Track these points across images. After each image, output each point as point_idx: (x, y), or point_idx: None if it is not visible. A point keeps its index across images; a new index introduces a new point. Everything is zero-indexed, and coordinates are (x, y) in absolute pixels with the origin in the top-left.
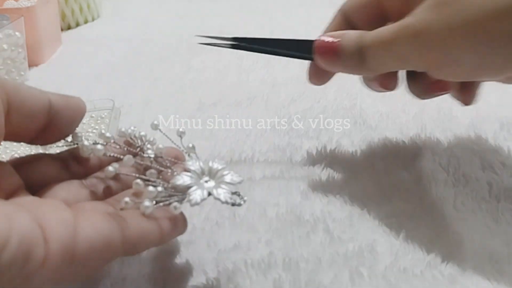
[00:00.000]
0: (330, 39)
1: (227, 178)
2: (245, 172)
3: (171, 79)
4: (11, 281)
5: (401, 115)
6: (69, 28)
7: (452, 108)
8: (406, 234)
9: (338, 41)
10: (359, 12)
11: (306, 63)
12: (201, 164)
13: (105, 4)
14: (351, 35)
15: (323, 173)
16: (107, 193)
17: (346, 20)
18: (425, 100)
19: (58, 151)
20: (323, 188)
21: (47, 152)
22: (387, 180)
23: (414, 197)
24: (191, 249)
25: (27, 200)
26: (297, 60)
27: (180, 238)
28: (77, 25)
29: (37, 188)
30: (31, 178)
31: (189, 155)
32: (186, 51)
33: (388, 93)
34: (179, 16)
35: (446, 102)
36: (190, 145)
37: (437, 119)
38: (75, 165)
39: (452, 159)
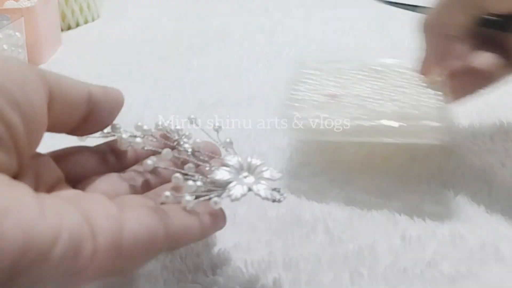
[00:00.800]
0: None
1: (267, 174)
2: None
3: (171, 79)
4: (62, 276)
5: None
6: (69, 28)
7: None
8: (406, 234)
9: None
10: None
11: None
12: (240, 159)
13: (105, 4)
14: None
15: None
16: (145, 187)
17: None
18: None
19: (94, 142)
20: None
21: (83, 144)
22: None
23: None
24: (191, 248)
25: (70, 193)
26: (297, 61)
27: None
28: (77, 25)
29: (76, 181)
30: (71, 171)
31: (226, 150)
32: (186, 51)
33: None
34: (179, 16)
35: None
36: (228, 140)
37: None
38: (113, 158)
39: (452, 159)
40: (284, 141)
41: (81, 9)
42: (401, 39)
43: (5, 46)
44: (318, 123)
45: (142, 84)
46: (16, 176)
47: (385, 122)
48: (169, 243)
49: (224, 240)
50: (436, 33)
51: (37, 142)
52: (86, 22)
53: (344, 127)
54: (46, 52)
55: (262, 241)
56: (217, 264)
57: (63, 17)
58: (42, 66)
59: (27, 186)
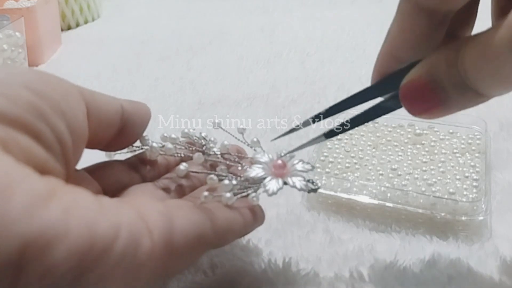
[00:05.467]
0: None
1: (299, 167)
2: None
3: (171, 79)
4: (124, 273)
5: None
6: (69, 28)
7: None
8: (406, 234)
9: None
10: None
11: (306, 65)
12: (270, 156)
13: (105, 4)
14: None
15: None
16: (180, 192)
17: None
18: None
19: (121, 157)
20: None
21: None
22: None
23: None
24: None
25: (116, 199)
26: (297, 61)
27: None
28: (77, 25)
29: (113, 193)
30: (107, 184)
31: (254, 149)
32: (186, 51)
33: None
34: (179, 16)
35: None
36: (255, 140)
37: (437, 119)
38: (145, 169)
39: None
40: (284, 141)
41: (81, 9)
42: None
43: (5, 46)
44: (339, 198)
45: (142, 84)
46: None
47: (410, 208)
48: (217, 239)
49: None
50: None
51: (80, 155)
52: (86, 22)
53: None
54: (46, 52)
55: (262, 241)
56: (217, 264)
57: (63, 17)
58: (42, 66)
59: (84, 188)
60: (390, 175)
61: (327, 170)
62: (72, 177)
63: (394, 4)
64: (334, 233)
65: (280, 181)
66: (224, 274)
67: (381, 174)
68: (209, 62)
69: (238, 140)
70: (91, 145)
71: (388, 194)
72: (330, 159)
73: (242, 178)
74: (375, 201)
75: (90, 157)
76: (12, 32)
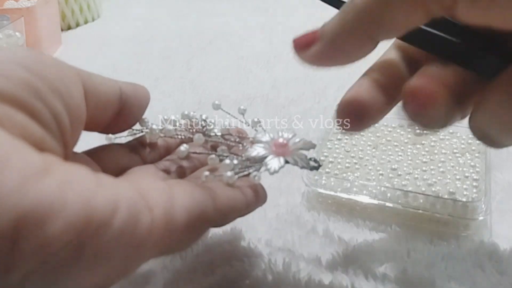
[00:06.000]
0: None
1: (300, 145)
2: None
3: (171, 79)
4: (124, 248)
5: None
6: (69, 28)
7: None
8: (406, 234)
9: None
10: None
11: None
12: (271, 135)
13: (105, 4)
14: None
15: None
16: (181, 174)
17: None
18: None
19: (122, 141)
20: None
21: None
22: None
23: None
24: (191, 248)
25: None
26: (297, 61)
27: None
28: (77, 25)
29: (112, 175)
30: (107, 166)
31: (255, 129)
32: (186, 51)
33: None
34: (179, 16)
35: None
36: (256, 120)
37: None
38: (145, 151)
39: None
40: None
41: (81, 9)
42: None
43: (5, 46)
44: (339, 198)
45: (142, 84)
46: None
47: (410, 208)
48: (218, 217)
49: (224, 240)
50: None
51: (77, 136)
52: (86, 22)
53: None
54: (46, 52)
55: (262, 241)
56: (217, 264)
57: (63, 17)
58: None
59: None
60: (390, 175)
61: (327, 170)
62: (70, 158)
63: None
64: (334, 233)
65: (282, 160)
66: (224, 274)
67: (381, 174)
68: (209, 62)
69: (239, 120)
70: (90, 127)
71: (388, 194)
72: (330, 159)
73: (243, 158)
74: (375, 201)
75: (91, 142)
76: (12, 32)
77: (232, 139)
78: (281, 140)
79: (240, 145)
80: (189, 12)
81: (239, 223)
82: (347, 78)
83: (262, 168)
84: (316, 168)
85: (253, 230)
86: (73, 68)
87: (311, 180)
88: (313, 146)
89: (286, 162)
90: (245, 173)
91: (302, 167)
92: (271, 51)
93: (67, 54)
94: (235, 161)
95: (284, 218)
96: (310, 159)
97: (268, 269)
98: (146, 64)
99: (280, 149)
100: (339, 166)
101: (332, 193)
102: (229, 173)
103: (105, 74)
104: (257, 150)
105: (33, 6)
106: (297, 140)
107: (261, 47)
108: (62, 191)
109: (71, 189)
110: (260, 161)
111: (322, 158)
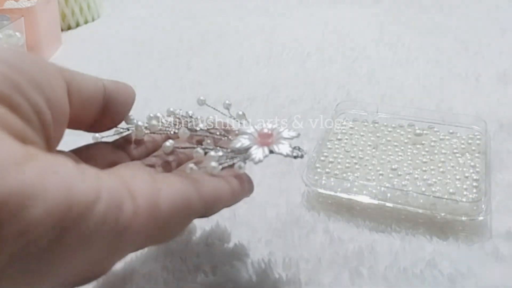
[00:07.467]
0: None
1: (285, 134)
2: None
3: (171, 79)
4: (107, 236)
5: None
6: (69, 28)
7: (453, 108)
8: (406, 234)
9: None
10: None
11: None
12: (256, 127)
13: (105, 4)
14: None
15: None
16: (167, 168)
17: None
18: (426, 101)
19: (108, 140)
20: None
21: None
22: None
23: None
24: (191, 248)
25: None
26: (297, 61)
27: (180, 237)
28: (77, 25)
29: None
30: (93, 164)
31: (240, 122)
32: (186, 51)
33: (388, 95)
34: (179, 16)
35: (445, 101)
36: (240, 113)
37: (437, 119)
38: (131, 149)
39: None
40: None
41: (81, 9)
42: (401, 38)
43: (5, 46)
44: (339, 198)
45: (142, 84)
46: None
47: (410, 208)
48: (204, 207)
49: (224, 240)
50: None
51: (61, 133)
52: (86, 22)
53: (366, 203)
54: (46, 52)
55: (262, 241)
56: (217, 264)
57: (63, 17)
58: None
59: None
60: (390, 175)
61: (327, 170)
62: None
63: (394, 4)
64: (334, 233)
65: (266, 149)
66: (224, 274)
67: (381, 174)
68: (209, 62)
69: (224, 115)
70: (74, 125)
71: (388, 194)
72: (330, 159)
73: (228, 150)
74: (375, 201)
75: (77, 143)
76: (12, 32)
77: (218, 133)
78: (265, 130)
79: (226, 138)
80: (189, 12)
81: (239, 223)
82: (347, 78)
83: (247, 158)
84: (301, 157)
85: (253, 230)
86: (55, 65)
87: (311, 180)
88: (297, 135)
89: (271, 151)
90: (230, 163)
91: (286, 155)
92: (271, 51)
93: (67, 54)
94: (220, 153)
95: (284, 218)
96: (294, 147)
97: (268, 269)
98: (146, 64)
99: (265, 139)
100: (339, 166)
101: (332, 193)
102: (213, 164)
103: (105, 74)
104: (241, 141)
105: (33, 6)
106: (281, 129)
107: (261, 47)
108: (43, 177)
109: (53, 176)
110: (245, 151)
111: (322, 158)
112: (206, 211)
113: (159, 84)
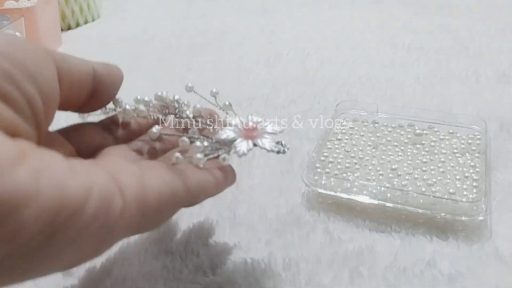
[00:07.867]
0: None
1: (269, 129)
2: (245, 172)
3: (171, 79)
4: (97, 232)
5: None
6: (69, 28)
7: (453, 108)
8: (406, 234)
9: None
10: None
11: (306, 65)
12: (241, 118)
13: (105, 4)
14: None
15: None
16: (153, 155)
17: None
18: (426, 101)
19: (95, 119)
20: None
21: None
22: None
23: None
24: (191, 248)
25: (88, 161)
26: (297, 61)
27: (180, 237)
28: (77, 25)
29: (87, 154)
30: (80, 145)
31: (226, 112)
32: (186, 51)
33: (388, 95)
34: (179, 16)
35: (445, 101)
36: (227, 103)
37: (437, 119)
38: (118, 131)
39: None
40: (284, 141)
41: (81, 9)
42: (401, 38)
43: None
44: (339, 198)
45: (142, 84)
46: None
47: (410, 208)
48: (189, 198)
49: (224, 240)
50: None
51: (51, 118)
52: (86, 22)
53: (366, 203)
54: None
55: (262, 241)
56: (217, 264)
57: (63, 17)
58: None
59: (55, 151)
60: (390, 175)
61: (327, 170)
62: (44, 139)
63: (394, 4)
64: (334, 233)
65: (250, 143)
66: (224, 274)
67: (381, 174)
68: (209, 62)
69: (211, 103)
70: (64, 107)
71: (388, 194)
72: (330, 159)
73: (213, 140)
74: (375, 201)
75: (64, 120)
76: (12, 32)
77: (204, 122)
78: (250, 124)
79: (211, 127)
80: (189, 12)
81: (239, 223)
82: (347, 78)
83: (232, 151)
84: (283, 152)
85: (253, 230)
86: (46, 49)
87: (311, 180)
88: (281, 131)
89: (254, 145)
90: (215, 155)
91: (270, 150)
92: (271, 51)
93: None
94: (206, 143)
95: (284, 218)
96: (278, 143)
97: (268, 269)
98: (146, 64)
99: (249, 133)
100: (339, 166)
101: (332, 193)
102: (199, 155)
103: None
104: (227, 133)
105: (33, 6)
106: (266, 124)
107: (261, 47)
108: (35, 179)
109: (44, 177)
110: (229, 143)
111: (322, 158)
112: (191, 202)
113: (159, 84)
